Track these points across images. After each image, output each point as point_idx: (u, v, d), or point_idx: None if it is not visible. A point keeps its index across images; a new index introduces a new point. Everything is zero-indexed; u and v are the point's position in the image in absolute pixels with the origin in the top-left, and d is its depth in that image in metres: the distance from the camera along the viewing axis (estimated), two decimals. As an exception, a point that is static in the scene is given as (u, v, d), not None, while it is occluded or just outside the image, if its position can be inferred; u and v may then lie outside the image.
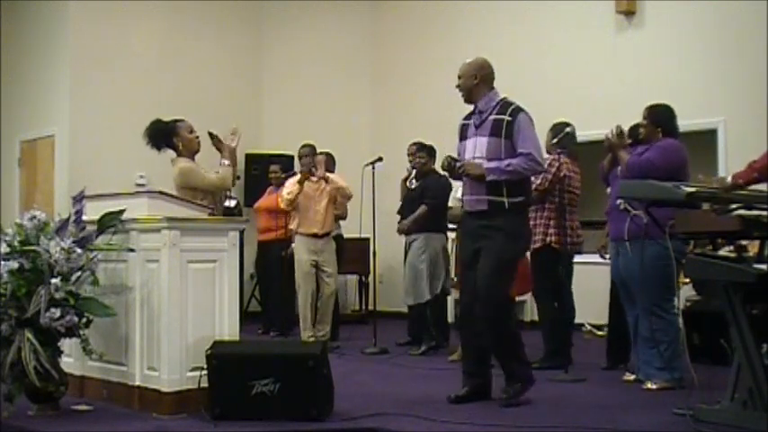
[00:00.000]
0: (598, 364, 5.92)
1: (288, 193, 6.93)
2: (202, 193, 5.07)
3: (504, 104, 4.70)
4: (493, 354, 4.75)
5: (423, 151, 7.08)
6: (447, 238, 6.97)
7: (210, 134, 5.25)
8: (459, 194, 5.92)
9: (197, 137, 5.18)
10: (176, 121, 5.17)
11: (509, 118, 4.62)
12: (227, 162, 5.17)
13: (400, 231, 7.06)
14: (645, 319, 5.07)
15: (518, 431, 4.06)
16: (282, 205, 7.03)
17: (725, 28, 7.76)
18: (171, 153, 5.18)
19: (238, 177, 6.92)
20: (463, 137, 4.83)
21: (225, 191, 6.03)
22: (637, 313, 5.19)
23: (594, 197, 6.69)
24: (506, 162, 4.57)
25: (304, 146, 7.22)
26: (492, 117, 4.67)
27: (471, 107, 4.81)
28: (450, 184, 6.71)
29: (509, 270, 4.70)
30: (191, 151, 5.16)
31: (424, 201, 6.87)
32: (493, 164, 4.59)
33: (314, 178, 6.98)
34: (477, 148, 4.68)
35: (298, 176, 7.11)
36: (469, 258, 4.74)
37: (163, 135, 5.11)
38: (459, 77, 4.79)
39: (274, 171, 8.47)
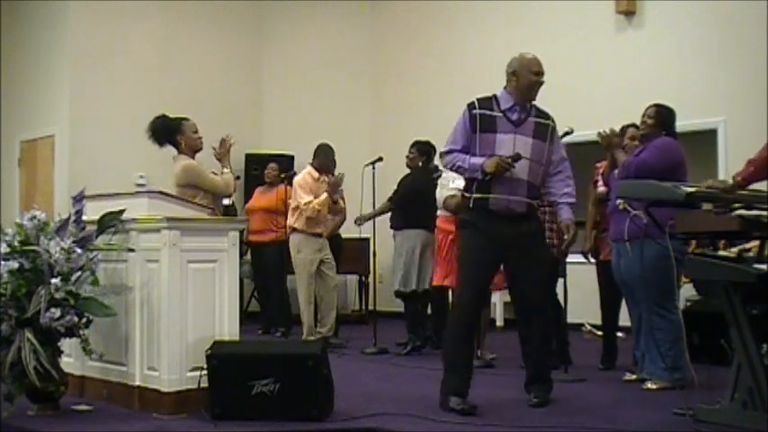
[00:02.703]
0: (598, 365, 5.94)
1: (319, 204, 6.95)
2: (202, 193, 5.09)
3: (540, 109, 4.66)
4: (536, 353, 4.71)
5: (413, 147, 7.20)
6: (432, 234, 6.84)
7: (223, 141, 5.33)
8: (455, 184, 5.92)
9: (200, 138, 5.23)
10: (182, 119, 5.23)
11: (553, 124, 4.66)
12: (227, 170, 5.28)
13: (356, 221, 7.26)
14: (649, 319, 5.08)
15: (518, 431, 4.06)
16: (309, 214, 6.98)
17: (725, 28, 7.76)
18: (172, 150, 5.20)
19: (238, 177, 6.95)
20: (491, 129, 4.54)
21: (227, 196, 6.11)
22: (640, 313, 5.19)
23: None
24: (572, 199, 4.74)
25: (331, 155, 7.29)
26: (533, 119, 4.58)
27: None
28: (431, 180, 6.78)
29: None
30: (193, 150, 5.21)
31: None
32: (569, 205, 4.72)
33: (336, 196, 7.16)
34: (518, 147, 4.49)
35: (301, 176, 7.22)
36: (490, 262, 4.62)
37: (168, 131, 5.16)
38: (543, 74, 4.64)
39: (273, 169, 8.38)
